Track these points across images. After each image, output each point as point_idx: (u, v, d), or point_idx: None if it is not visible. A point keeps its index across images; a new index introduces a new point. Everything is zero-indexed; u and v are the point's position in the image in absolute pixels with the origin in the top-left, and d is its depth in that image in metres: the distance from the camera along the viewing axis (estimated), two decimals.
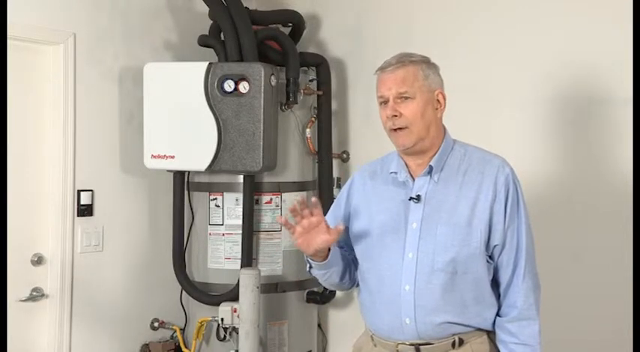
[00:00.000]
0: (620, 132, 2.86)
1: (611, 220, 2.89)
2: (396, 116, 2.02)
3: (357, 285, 2.24)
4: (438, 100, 2.08)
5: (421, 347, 2.03)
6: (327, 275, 2.17)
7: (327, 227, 2.02)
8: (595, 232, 2.93)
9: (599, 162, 2.95)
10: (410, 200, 2.06)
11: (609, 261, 2.88)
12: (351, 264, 2.23)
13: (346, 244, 2.25)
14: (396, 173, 2.11)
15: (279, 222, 2.11)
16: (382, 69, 2.08)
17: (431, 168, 2.07)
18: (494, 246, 2.03)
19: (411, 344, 2.04)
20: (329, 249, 2.08)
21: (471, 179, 2.05)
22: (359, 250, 2.17)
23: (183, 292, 3.51)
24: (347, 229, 2.22)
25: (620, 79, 2.83)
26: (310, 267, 2.17)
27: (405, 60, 2.06)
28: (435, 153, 2.08)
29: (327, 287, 2.32)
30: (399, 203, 2.08)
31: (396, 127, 2.03)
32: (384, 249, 2.07)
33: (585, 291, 2.94)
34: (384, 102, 2.06)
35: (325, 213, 2.34)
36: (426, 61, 2.09)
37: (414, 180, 2.09)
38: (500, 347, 2.04)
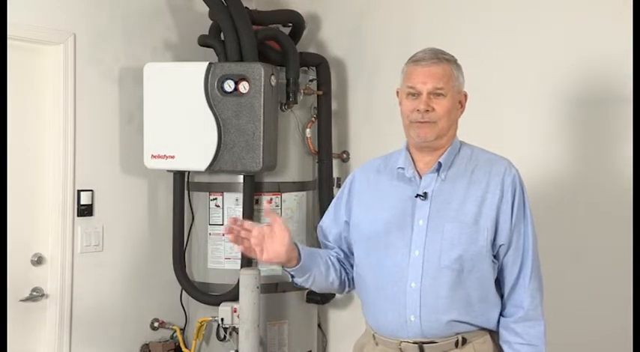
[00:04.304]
0: (623, 132, 2.86)
1: (612, 220, 2.88)
2: (428, 110, 2.02)
3: (353, 287, 2.23)
4: (460, 102, 2.10)
5: (425, 345, 2.02)
6: (310, 280, 2.14)
7: (271, 229, 2.00)
8: (597, 232, 2.93)
9: (601, 161, 2.95)
10: (416, 197, 2.06)
11: (610, 260, 2.88)
12: (335, 263, 2.21)
13: (335, 242, 2.25)
14: (403, 168, 2.10)
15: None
16: (416, 61, 2.07)
17: (440, 164, 2.07)
18: (500, 245, 2.03)
19: (415, 343, 2.03)
20: (299, 254, 2.07)
21: (478, 178, 2.06)
22: (360, 247, 2.15)
23: (183, 292, 3.51)
24: (347, 224, 2.21)
25: (622, 79, 2.83)
26: (292, 277, 2.14)
27: (440, 56, 2.07)
28: (443, 152, 2.08)
29: (318, 291, 2.27)
30: (405, 200, 2.07)
31: (424, 120, 2.03)
32: (388, 246, 2.06)
33: (586, 291, 2.94)
34: (414, 94, 2.05)
35: (324, 213, 2.34)
36: (455, 61, 2.11)
37: (420, 177, 2.09)
38: (505, 347, 2.05)
